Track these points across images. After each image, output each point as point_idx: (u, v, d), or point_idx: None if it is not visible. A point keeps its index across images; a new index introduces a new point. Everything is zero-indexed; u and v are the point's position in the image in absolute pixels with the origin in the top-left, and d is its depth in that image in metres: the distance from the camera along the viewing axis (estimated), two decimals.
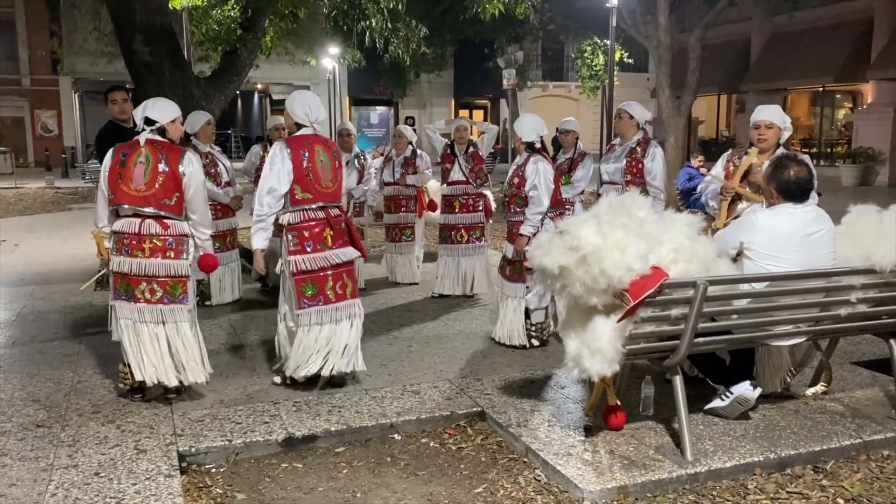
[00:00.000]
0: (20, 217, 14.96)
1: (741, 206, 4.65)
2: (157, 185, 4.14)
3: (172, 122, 4.31)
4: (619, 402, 3.91)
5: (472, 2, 9.61)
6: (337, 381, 4.53)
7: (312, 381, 4.48)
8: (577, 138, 6.63)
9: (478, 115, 34.97)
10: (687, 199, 11.33)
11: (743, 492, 3.43)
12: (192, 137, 6.48)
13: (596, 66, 25.71)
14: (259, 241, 4.42)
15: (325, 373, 4.42)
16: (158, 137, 4.24)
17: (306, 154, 4.37)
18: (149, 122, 4.24)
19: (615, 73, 17.19)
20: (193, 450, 3.73)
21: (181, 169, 4.19)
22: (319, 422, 4.03)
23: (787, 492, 3.42)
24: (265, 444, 3.83)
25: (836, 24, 22.42)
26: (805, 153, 5.30)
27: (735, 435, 3.84)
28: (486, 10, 9.36)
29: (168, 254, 4.19)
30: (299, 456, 3.82)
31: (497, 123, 25.24)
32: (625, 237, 3.54)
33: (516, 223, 5.37)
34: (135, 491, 3.27)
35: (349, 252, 4.52)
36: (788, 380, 4.36)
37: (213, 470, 3.68)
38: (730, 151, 5.04)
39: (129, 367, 4.21)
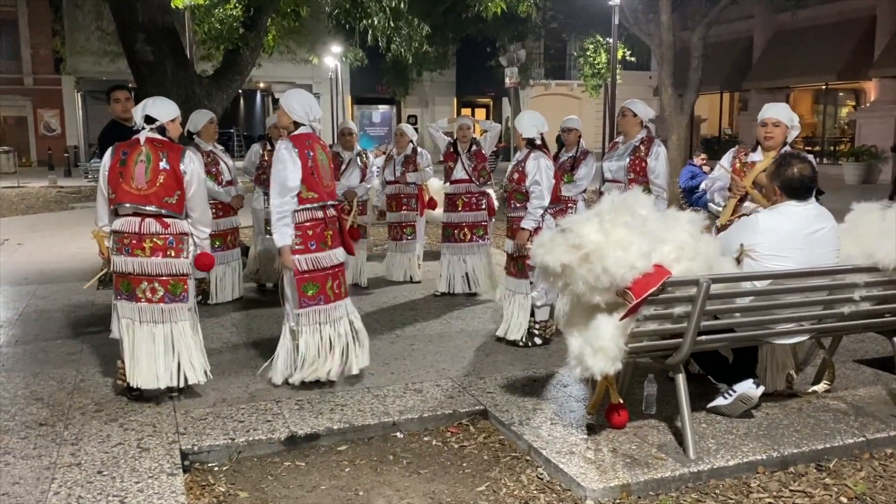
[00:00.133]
0: (23, 216, 14.98)
1: (747, 205, 4.63)
2: (158, 184, 4.14)
3: (172, 121, 4.30)
4: (621, 401, 3.91)
5: (475, 0, 9.60)
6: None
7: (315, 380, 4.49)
8: (579, 137, 6.62)
9: (480, 113, 35.00)
10: (689, 198, 11.31)
11: (746, 490, 3.42)
12: (194, 136, 6.48)
13: (598, 64, 25.68)
14: (286, 237, 4.34)
15: (335, 376, 4.48)
16: (158, 136, 4.23)
17: (311, 154, 4.38)
18: (149, 120, 4.23)
19: (617, 71, 17.18)
20: (196, 448, 3.73)
21: (182, 167, 4.19)
22: (322, 420, 4.04)
23: (791, 490, 3.41)
24: (268, 443, 3.84)
25: (838, 22, 22.39)
26: (808, 151, 5.28)
27: (738, 433, 3.83)
28: (488, 9, 9.35)
29: (169, 252, 4.20)
30: (302, 454, 3.83)
31: (499, 122, 25.19)
32: (627, 235, 3.54)
33: (517, 219, 5.39)
34: (138, 489, 3.27)
35: (341, 253, 4.58)
36: (791, 378, 4.36)
37: (216, 468, 3.68)
38: (736, 147, 5.03)
39: (125, 366, 4.23)
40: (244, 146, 30.58)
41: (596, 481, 3.36)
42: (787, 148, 4.63)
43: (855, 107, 24.05)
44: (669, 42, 14.93)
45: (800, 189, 3.88)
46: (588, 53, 25.95)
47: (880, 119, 20.98)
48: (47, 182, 22.10)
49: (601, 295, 3.55)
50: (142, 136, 4.21)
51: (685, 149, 15.29)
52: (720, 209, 4.87)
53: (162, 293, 4.20)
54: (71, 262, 9.02)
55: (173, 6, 8.82)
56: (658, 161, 5.58)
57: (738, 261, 3.87)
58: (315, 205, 4.41)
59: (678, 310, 3.58)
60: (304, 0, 10.18)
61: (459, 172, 7.01)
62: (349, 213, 7.10)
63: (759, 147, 4.72)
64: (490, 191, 7.30)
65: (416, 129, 8.34)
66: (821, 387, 4.42)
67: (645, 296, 3.45)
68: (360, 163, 7.34)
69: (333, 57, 23.77)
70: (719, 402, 4.00)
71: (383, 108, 34.06)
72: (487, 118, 31.61)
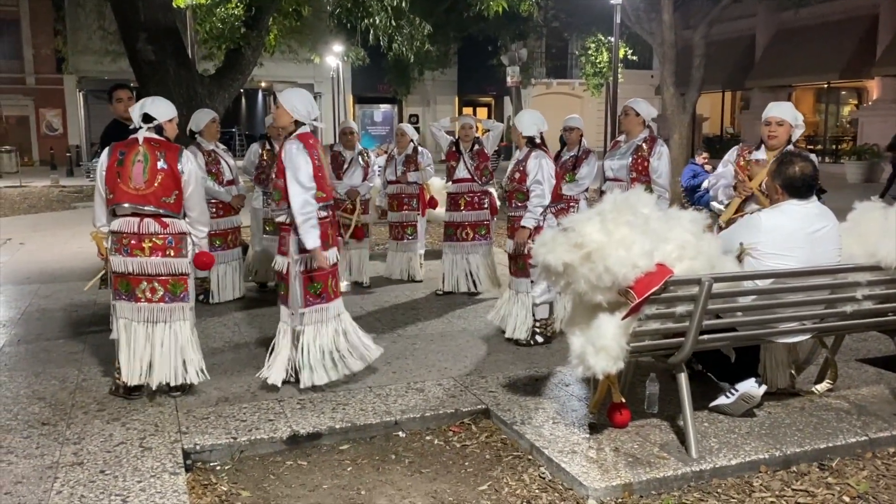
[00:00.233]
0: (25, 215, 14.99)
1: (752, 206, 4.62)
2: (156, 184, 4.14)
3: (170, 120, 4.30)
4: (623, 400, 3.90)
5: None
6: None
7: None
8: (581, 135, 6.62)
9: (481, 112, 34.97)
10: (691, 197, 11.30)
11: (748, 489, 3.42)
12: (196, 136, 6.48)
13: (600, 63, 25.65)
14: (316, 239, 4.27)
15: (341, 375, 4.50)
16: (156, 136, 4.23)
17: (317, 154, 4.38)
18: (146, 119, 4.23)
19: (619, 70, 17.15)
20: (198, 447, 3.73)
21: (180, 167, 4.19)
22: (324, 419, 4.04)
23: (793, 489, 3.41)
24: (270, 442, 3.84)
25: (841, 21, 22.37)
26: (810, 150, 5.28)
27: (740, 432, 3.83)
28: (489, 8, 9.35)
29: (168, 252, 4.20)
30: (304, 453, 3.83)
31: (501, 121, 25.20)
32: (629, 234, 3.54)
33: (517, 218, 5.39)
34: (140, 488, 3.28)
35: (335, 252, 4.60)
36: (794, 377, 4.35)
37: (218, 467, 3.68)
38: (739, 145, 5.02)
39: (121, 365, 4.24)
40: (245, 145, 30.54)
41: (598, 480, 3.36)
42: (790, 147, 4.62)
43: (857, 105, 24.02)
44: (671, 41, 14.91)
45: (801, 187, 3.88)
46: (590, 52, 25.92)
47: (882, 117, 20.94)
48: (49, 181, 22.10)
49: (603, 294, 3.55)
50: (140, 136, 4.21)
51: (687, 148, 15.27)
52: (722, 208, 4.86)
53: (162, 293, 4.20)
54: (73, 261, 9.03)
55: (175, 5, 8.83)
56: (661, 160, 5.57)
57: (740, 260, 3.87)
58: (322, 204, 4.41)
59: (680, 309, 3.58)
60: None
61: (462, 172, 7.02)
62: (353, 212, 7.11)
63: (763, 146, 4.72)
64: (492, 189, 7.31)
65: (417, 129, 8.34)
66: (823, 386, 4.42)
67: (647, 295, 3.44)
68: (361, 162, 7.34)
69: (335, 56, 23.75)
70: (721, 401, 4.00)
71: (385, 107, 34.03)
72: (489, 117, 31.57)
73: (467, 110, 32.69)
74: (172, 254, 4.21)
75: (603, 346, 3.51)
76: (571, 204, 6.27)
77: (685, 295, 3.57)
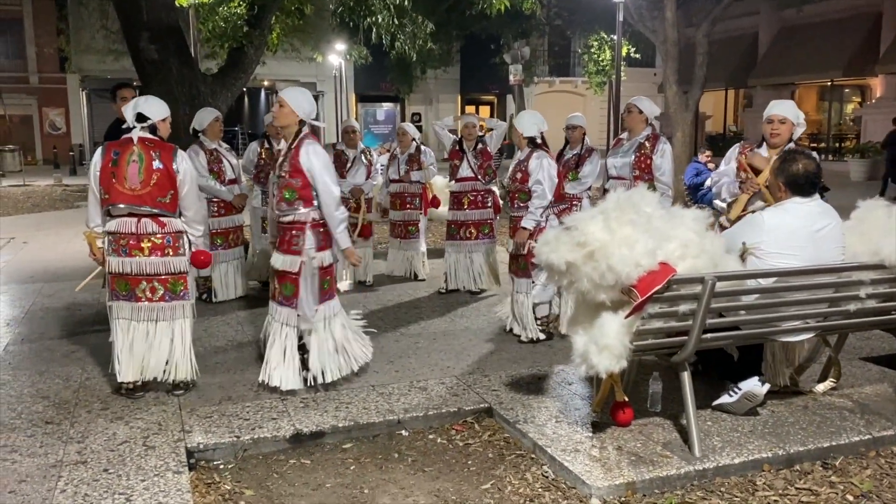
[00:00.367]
0: (28, 214, 15.01)
1: (759, 203, 4.61)
2: (152, 184, 4.13)
3: (163, 120, 4.29)
4: (626, 399, 3.90)
5: None
6: None
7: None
8: (584, 134, 6.61)
9: (484, 111, 34.94)
10: (694, 195, 11.29)
11: (751, 488, 3.42)
12: (200, 134, 6.48)
13: (602, 61, 25.63)
14: (349, 239, 4.48)
15: (346, 371, 4.52)
16: (150, 135, 4.23)
17: None
18: (140, 118, 4.22)
19: (622, 68, 17.13)
20: (202, 446, 3.74)
21: (175, 166, 4.18)
22: (327, 418, 4.04)
23: (796, 488, 3.41)
24: (273, 441, 3.84)
25: (844, 18, 22.32)
26: (813, 148, 5.27)
27: (743, 431, 3.83)
28: (492, 6, 9.33)
29: (167, 251, 4.21)
30: (307, 452, 3.83)
31: (504, 119, 25.20)
32: (633, 233, 3.53)
33: (519, 218, 5.39)
34: (143, 487, 3.28)
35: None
36: (797, 376, 4.34)
37: (222, 466, 3.69)
38: (741, 143, 5.01)
39: (119, 365, 4.25)
40: (248, 144, 30.61)
41: (601, 479, 3.36)
42: (792, 145, 4.61)
43: (860, 103, 23.96)
44: (674, 39, 14.89)
45: (804, 185, 3.87)
46: (592, 50, 25.91)
47: (886, 115, 20.85)
48: (52, 180, 22.13)
49: (606, 293, 3.55)
50: (134, 135, 4.19)
51: (690, 145, 15.25)
52: (725, 206, 4.85)
53: (162, 292, 4.21)
54: (76, 260, 9.03)
55: (178, 4, 8.84)
56: (663, 158, 5.57)
57: (743, 259, 3.86)
58: None
59: (683, 307, 3.58)
60: None
61: (465, 170, 7.01)
62: (358, 210, 7.11)
63: (765, 144, 4.71)
64: (495, 188, 7.31)
65: (419, 127, 8.34)
66: (826, 384, 4.41)
67: (650, 293, 3.44)
68: (364, 160, 7.33)
69: (337, 55, 23.77)
70: (724, 399, 4.00)
71: (387, 105, 34.05)
72: (491, 115, 31.52)
73: (470, 109, 32.69)
74: (171, 253, 4.22)
75: (606, 344, 3.51)
76: (574, 202, 6.27)
77: (688, 293, 3.56)
